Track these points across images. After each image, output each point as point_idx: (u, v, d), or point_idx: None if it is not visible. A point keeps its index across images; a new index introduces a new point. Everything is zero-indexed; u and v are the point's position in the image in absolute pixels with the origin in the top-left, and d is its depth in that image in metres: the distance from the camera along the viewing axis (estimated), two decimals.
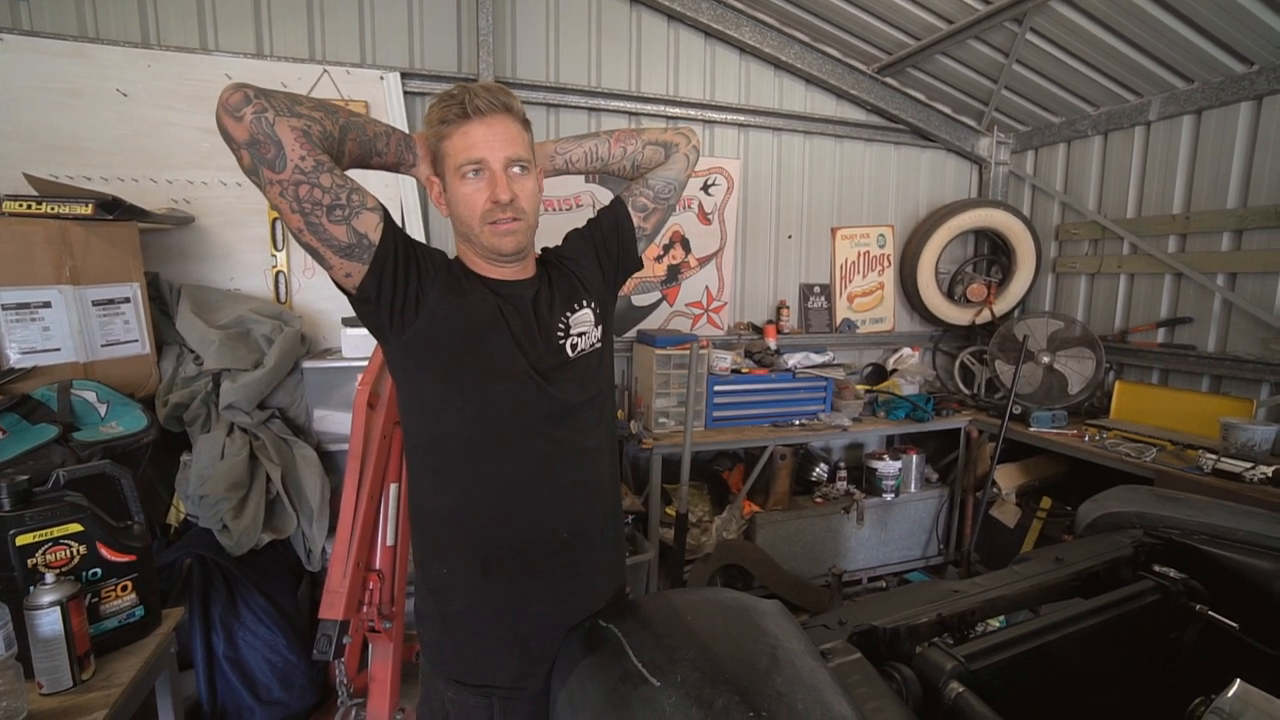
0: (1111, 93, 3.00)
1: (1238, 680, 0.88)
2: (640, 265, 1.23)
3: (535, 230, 1.04)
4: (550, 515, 1.03)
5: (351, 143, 0.92)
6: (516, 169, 0.99)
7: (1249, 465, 2.28)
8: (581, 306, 1.10)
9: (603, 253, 1.17)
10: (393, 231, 0.94)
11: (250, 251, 2.45)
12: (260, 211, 2.46)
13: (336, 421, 2.31)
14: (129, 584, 1.27)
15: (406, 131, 1.02)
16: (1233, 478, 2.27)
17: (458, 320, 0.97)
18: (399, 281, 0.94)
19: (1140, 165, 3.01)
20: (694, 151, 1.20)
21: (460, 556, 1.01)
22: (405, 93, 2.61)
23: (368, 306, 0.95)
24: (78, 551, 1.20)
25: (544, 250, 1.17)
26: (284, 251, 2.49)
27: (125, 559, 1.26)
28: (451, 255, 1.08)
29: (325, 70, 2.51)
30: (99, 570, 1.23)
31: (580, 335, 1.09)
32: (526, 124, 1.02)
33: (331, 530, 2.10)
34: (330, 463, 2.27)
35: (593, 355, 1.11)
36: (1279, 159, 2.55)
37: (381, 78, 2.57)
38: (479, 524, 1.01)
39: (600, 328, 1.12)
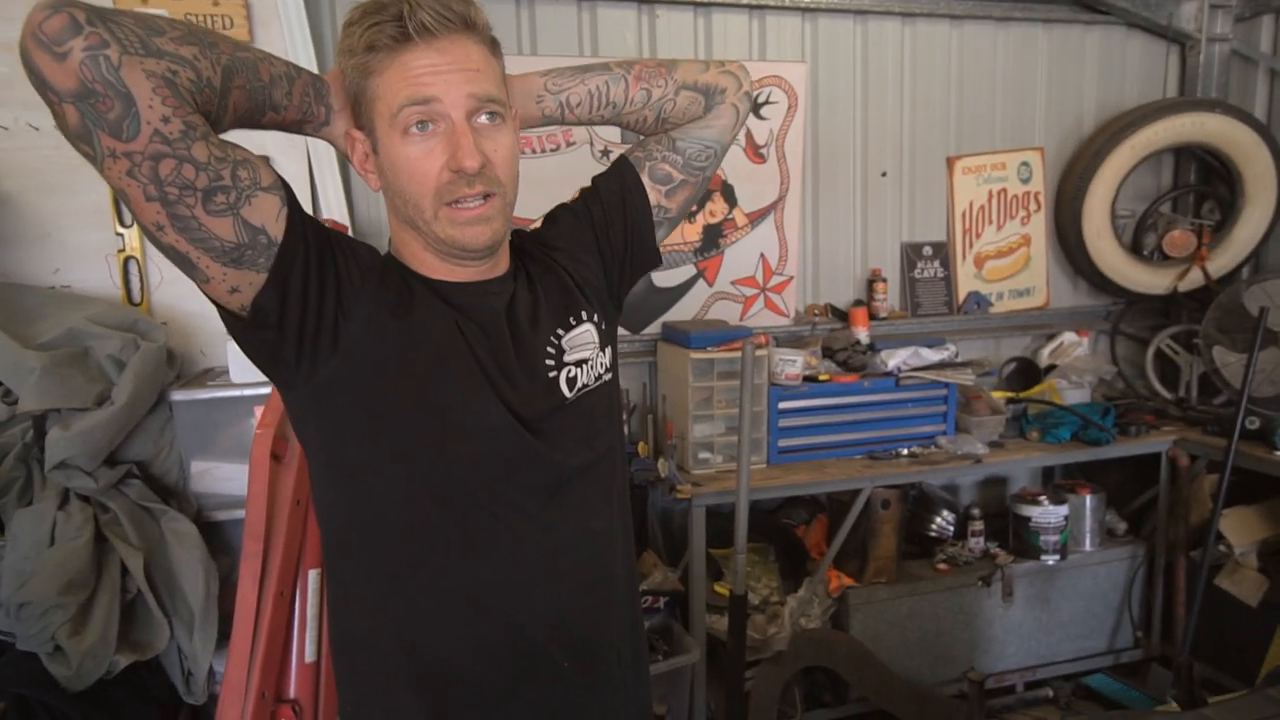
0: None
1: None
2: (658, 261, 1.12)
3: (513, 209, 0.90)
4: (541, 636, 0.90)
5: (238, 91, 0.75)
6: (485, 116, 0.84)
7: None
8: (580, 321, 0.98)
9: (605, 240, 1.05)
10: (301, 221, 0.79)
11: (83, 228, 2.07)
12: None
13: (225, 478, 2.03)
14: None
15: (317, 73, 0.91)
16: None
17: (397, 350, 0.84)
18: (311, 295, 0.78)
19: None
20: (745, 100, 1.10)
21: (407, 703, 0.88)
22: None
23: (264, 334, 0.79)
24: None
25: (517, 235, 1.03)
26: (134, 226, 2.13)
27: None
28: (385, 250, 0.98)
29: None
30: None
31: (580, 364, 0.96)
32: (495, 46, 0.87)
33: (224, 641, 1.86)
34: (218, 539, 2.03)
35: (599, 393, 0.99)
36: None
37: None
38: (433, 653, 0.88)
39: (607, 350, 1.02)
